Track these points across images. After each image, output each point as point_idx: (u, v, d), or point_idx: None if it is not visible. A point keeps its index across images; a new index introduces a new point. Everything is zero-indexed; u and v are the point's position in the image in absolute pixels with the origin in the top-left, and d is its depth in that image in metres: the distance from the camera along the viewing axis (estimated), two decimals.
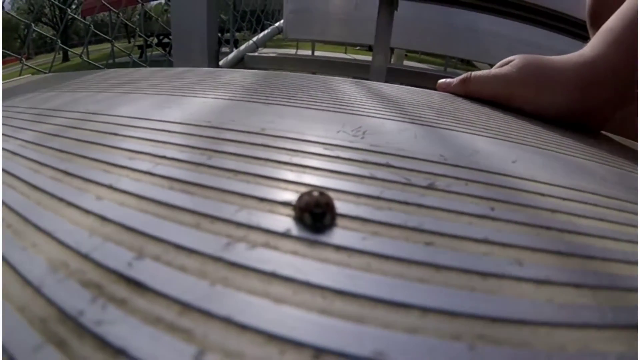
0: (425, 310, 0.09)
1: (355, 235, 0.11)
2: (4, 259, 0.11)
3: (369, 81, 0.43)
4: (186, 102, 0.27)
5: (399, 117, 0.26)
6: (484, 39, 1.39)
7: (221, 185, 0.14)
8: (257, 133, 0.20)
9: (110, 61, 1.16)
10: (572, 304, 0.10)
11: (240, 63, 1.23)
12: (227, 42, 1.59)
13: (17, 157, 0.19)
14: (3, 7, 0.80)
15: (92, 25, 1.03)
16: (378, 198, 0.14)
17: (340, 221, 0.12)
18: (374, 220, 0.12)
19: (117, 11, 1.11)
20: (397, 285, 0.10)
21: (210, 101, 0.28)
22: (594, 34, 0.35)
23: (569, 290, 0.10)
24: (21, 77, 0.73)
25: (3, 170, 0.17)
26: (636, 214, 0.17)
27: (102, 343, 0.08)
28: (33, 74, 0.78)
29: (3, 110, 0.32)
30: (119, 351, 0.08)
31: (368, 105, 0.29)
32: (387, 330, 0.08)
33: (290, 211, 0.12)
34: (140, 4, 1.11)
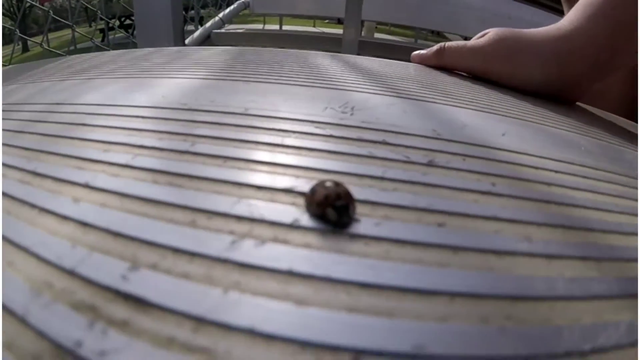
0: (452, 295, 0.09)
1: (367, 221, 0.11)
2: None
3: (344, 54, 0.42)
4: (157, 85, 0.25)
5: (382, 91, 0.25)
6: (454, 10, 1.39)
7: (212, 175, 0.12)
8: (241, 114, 0.18)
9: (72, 47, 1.09)
10: (581, 277, 0.10)
11: (207, 41, 1.19)
12: (192, 19, 1.53)
13: None
14: None
15: (51, 12, 0.96)
16: (382, 179, 0.13)
17: (362, 209, 0.11)
18: (383, 203, 0.12)
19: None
20: (419, 271, 0.09)
21: (184, 81, 0.26)
22: (568, 7, 0.35)
23: (576, 264, 0.11)
24: None
25: None
26: (624, 185, 0.17)
27: None
28: None
29: None
30: None
31: (349, 80, 0.28)
32: (420, 322, 0.08)
33: (293, 198, 0.11)
34: None
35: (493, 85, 0.33)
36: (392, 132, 0.17)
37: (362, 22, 1.70)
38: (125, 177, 0.13)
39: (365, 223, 0.10)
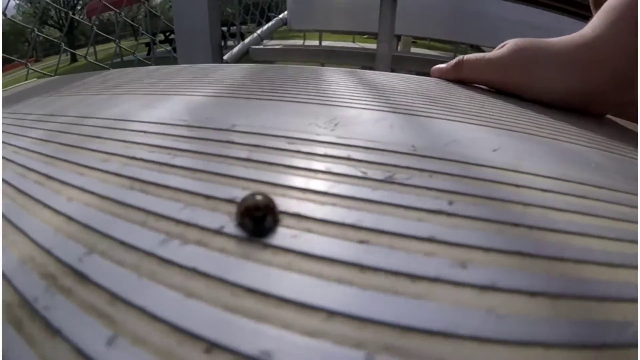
0: (331, 313, 0.09)
1: (286, 232, 0.11)
2: None
3: (363, 70, 0.42)
4: (171, 101, 0.28)
5: (381, 106, 0.25)
6: (491, 23, 1.37)
7: (175, 184, 0.14)
8: (227, 130, 0.20)
9: (118, 60, 1.18)
10: (520, 315, 0.09)
11: (245, 56, 1.24)
12: (233, 35, 1.60)
13: (10, 164, 0.21)
14: (5, 14, 0.82)
15: (94, 26, 1.06)
16: (325, 194, 0.13)
17: (287, 221, 0.12)
18: (310, 217, 0.12)
19: (118, 11, 1.13)
20: (309, 284, 0.09)
21: (195, 99, 0.29)
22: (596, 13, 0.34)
23: (519, 299, 0.09)
24: (27, 81, 0.75)
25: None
26: (634, 206, 0.15)
27: (46, 324, 0.09)
28: (39, 77, 0.80)
29: (3, 118, 0.33)
30: (56, 331, 0.09)
31: (353, 96, 0.29)
32: (284, 331, 0.08)
33: (231, 207, 0.13)
34: (144, 2, 1.13)
35: (514, 99, 0.32)
36: (363, 147, 0.18)
37: (399, 37, 1.71)
38: (111, 183, 0.16)
39: (283, 235, 0.11)
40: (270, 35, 1.49)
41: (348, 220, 0.12)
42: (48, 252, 0.12)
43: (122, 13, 1.13)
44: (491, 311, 0.09)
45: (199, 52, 1.02)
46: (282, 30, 1.68)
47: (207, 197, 0.13)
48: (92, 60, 1.07)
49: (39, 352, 0.09)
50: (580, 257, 0.11)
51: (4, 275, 0.11)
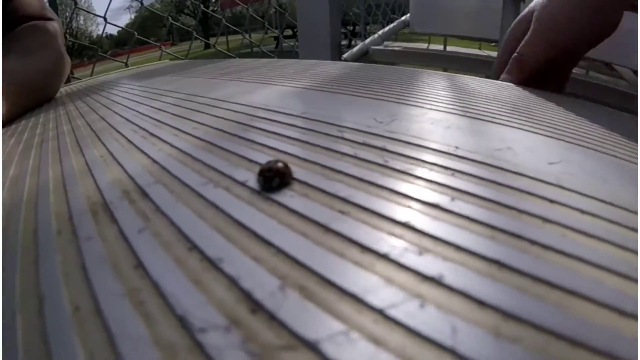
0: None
1: (287, 194, 0.13)
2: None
3: (454, 74, 0.40)
4: (266, 90, 0.33)
5: (449, 108, 0.25)
6: (623, 41, 1.19)
7: (234, 150, 0.18)
8: (296, 115, 0.23)
9: (248, 50, 1.31)
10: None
11: (365, 56, 1.28)
12: (355, 35, 1.65)
13: (129, 123, 0.27)
14: (142, 3, 0.97)
15: (224, 18, 1.19)
16: (337, 171, 0.15)
17: (295, 186, 0.14)
18: (312, 185, 0.14)
19: (246, 6, 1.25)
20: (300, 242, 0.11)
21: (285, 89, 0.33)
22: None
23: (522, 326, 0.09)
24: (160, 62, 0.89)
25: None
26: None
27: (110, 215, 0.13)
28: (171, 59, 0.94)
29: (135, 88, 0.42)
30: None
31: (428, 97, 0.28)
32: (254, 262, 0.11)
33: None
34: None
35: (594, 108, 0.30)
36: (401, 141, 0.18)
37: None
38: (191, 143, 0.20)
39: (285, 195, 0.13)
40: (391, 36, 1.50)
41: (332, 190, 0.13)
42: (131, 178, 0.17)
43: (251, 8, 1.25)
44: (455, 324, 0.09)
45: (319, 49, 1.08)
46: (407, 32, 1.67)
47: (230, 152, 0.17)
48: (220, 49, 1.21)
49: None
50: (568, 286, 0.09)
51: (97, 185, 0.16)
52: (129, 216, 0.13)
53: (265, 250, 0.11)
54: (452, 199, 0.13)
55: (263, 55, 1.26)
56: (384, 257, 0.10)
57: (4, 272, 0.12)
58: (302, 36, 1.09)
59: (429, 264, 0.10)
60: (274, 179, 0.13)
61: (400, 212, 0.12)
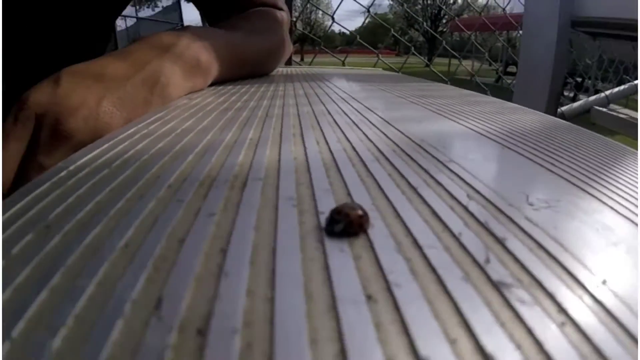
0: None
1: (344, 241, 0.11)
2: None
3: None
4: (426, 121, 0.31)
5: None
6: None
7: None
8: (440, 161, 0.21)
9: (466, 77, 1.26)
10: None
11: (584, 115, 1.11)
12: (580, 89, 1.44)
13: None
14: (369, 10, 1.02)
15: (444, 42, 1.17)
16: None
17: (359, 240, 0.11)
18: (372, 246, 0.11)
19: (469, 33, 1.20)
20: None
21: (459, 129, 0.29)
22: None
23: None
24: (373, 68, 0.92)
25: None
26: None
27: None
28: (384, 68, 0.97)
29: (329, 84, 0.44)
30: None
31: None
32: None
33: None
34: (498, 32, 1.16)
35: None
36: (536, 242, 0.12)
37: None
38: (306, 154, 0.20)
39: (336, 243, 0.11)
40: (618, 99, 1.27)
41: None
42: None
43: (480, 36, 1.20)
44: None
45: (536, 94, 0.98)
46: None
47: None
48: (435, 70, 1.20)
49: None
50: None
51: None
52: None
53: None
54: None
55: (475, 86, 1.21)
56: None
57: None
58: (520, 77, 1.00)
59: None
60: (338, 223, 0.12)
61: None
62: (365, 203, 0.14)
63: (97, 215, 0.12)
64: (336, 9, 1.05)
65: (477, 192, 0.15)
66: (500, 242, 0.12)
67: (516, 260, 0.11)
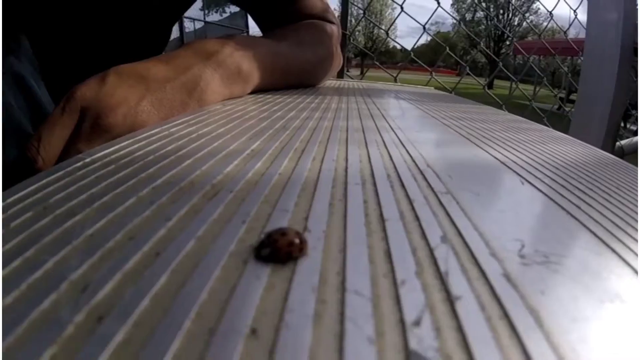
0: None
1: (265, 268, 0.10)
2: None
3: None
4: (469, 148, 0.29)
5: None
6: None
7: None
8: (448, 194, 0.20)
9: (525, 102, 1.21)
10: None
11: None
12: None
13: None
14: (425, 28, 1.00)
15: (500, 63, 1.13)
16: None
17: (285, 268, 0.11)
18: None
19: (527, 56, 1.15)
20: None
21: (487, 159, 0.28)
22: None
23: None
24: (425, 87, 0.91)
25: None
26: None
27: None
28: (436, 87, 0.95)
29: (374, 100, 0.44)
30: None
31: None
32: None
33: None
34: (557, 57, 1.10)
35: None
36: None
37: None
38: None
39: (260, 266, 0.10)
40: None
41: None
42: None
43: (544, 61, 1.15)
44: None
45: (593, 124, 0.91)
46: None
47: None
48: (490, 94, 1.16)
49: None
50: None
51: None
52: None
53: None
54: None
55: (530, 111, 1.16)
56: None
57: None
58: (579, 105, 0.94)
59: None
60: (265, 247, 0.11)
61: None
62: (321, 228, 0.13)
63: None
64: (390, 26, 1.05)
65: (458, 232, 0.13)
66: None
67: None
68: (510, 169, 0.23)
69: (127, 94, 0.32)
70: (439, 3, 1.02)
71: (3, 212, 0.13)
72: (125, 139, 0.22)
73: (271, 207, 0.14)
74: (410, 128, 0.33)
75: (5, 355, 0.07)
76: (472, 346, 0.08)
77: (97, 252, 0.11)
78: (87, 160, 0.18)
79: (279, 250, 0.11)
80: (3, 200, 0.13)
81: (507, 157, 0.26)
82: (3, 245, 0.11)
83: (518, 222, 0.15)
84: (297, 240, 0.11)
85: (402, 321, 0.09)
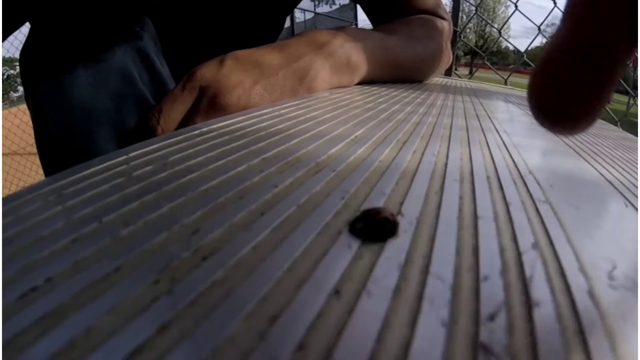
0: None
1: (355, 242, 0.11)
2: None
3: None
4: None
5: None
6: None
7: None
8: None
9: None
10: None
11: None
12: None
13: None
14: (539, 29, 0.91)
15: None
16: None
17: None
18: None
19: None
20: None
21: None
22: None
23: None
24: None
25: None
26: None
27: None
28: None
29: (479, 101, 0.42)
30: None
31: None
32: None
33: None
34: None
35: None
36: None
37: None
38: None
39: (352, 241, 0.11)
40: None
41: None
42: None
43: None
44: None
45: None
46: None
47: None
48: (605, 107, 1.03)
49: None
50: None
51: None
52: None
53: None
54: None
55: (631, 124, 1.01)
56: None
57: None
58: None
59: None
60: (359, 222, 0.12)
61: None
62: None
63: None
64: (503, 24, 0.98)
65: (550, 242, 0.13)
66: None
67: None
68: (616, 188, 0.21)
69: (243, 77, 0.35)
70: (555, 3, 0.93)
71: (127, 164, 0.15)
72: (240, 114, 0.25)
73: (370, 188, 0.16)
74: (516, 132, 0.32)
75: (115, 275, 0.09)
76: (540, 352, 0.08)
77: (209, 205, 0.12)
78: (204, 129, 0.21)
79: (372, 226, 0.12)
80: (127, 154, 0.16)
81: (613, 175, 0.23)
82: (123, 191, 0.13)
83: (614, 244, 0.14)
84: (390, 220, 0.12)
85: (477, 313, 0.09)
